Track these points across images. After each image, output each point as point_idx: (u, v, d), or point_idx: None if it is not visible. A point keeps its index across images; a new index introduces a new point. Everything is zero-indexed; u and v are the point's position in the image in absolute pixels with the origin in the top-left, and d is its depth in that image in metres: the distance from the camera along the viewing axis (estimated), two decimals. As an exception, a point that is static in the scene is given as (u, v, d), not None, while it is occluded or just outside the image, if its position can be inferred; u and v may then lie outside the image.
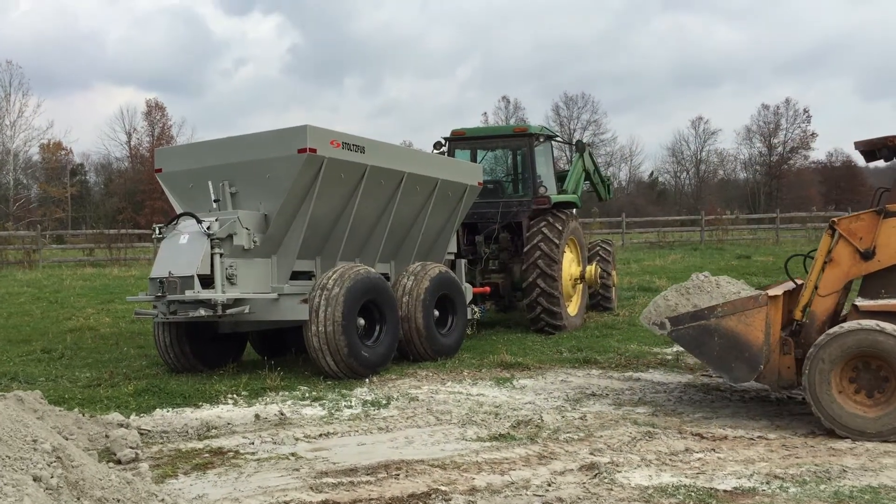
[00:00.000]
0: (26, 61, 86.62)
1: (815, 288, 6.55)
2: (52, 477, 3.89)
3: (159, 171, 9.36)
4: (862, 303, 6.37)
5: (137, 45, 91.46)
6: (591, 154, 15.57)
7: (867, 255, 6.35)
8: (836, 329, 6.10)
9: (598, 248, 14.43)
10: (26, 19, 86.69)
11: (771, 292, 6.64)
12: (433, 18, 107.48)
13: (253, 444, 5.97)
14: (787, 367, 6.55)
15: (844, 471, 5.10)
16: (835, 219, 6.52)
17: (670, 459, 5.43)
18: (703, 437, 6.00)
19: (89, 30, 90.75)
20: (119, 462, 5.36)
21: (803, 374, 6.15)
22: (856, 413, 5.98)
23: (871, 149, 6.97)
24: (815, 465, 5.23)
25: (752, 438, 5.97)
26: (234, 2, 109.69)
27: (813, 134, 64.74)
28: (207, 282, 8.07)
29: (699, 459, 5.43)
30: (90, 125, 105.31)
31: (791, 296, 6.93)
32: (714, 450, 5.66)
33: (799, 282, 7.17)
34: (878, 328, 5.94)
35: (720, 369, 6.66)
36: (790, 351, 6.54)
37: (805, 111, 64.56)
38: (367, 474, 5.14)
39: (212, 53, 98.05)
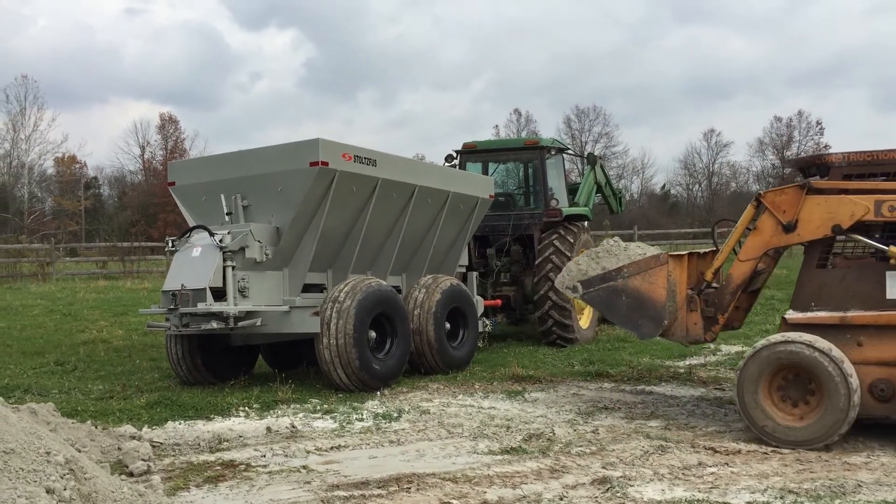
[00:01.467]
0: (44, 76, 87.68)
1: (735, 252, 6.86)
2: (64, 489, 3.90)
3: (172, 184, 9.42)
4: (791, 315, 6.51)
5: (154, 60, 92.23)
6: (602, 167, 15.57)
7: (789, 228, 6.56)
8: (763, 341, 6.32)
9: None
10: (44, 34, 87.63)
11: (675, 253, 7.04)
12: (448, 32, 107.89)
13: (264, 456, 5.97)
14: (695, 324, 6.94)
15: (859, 485, 5.06)
16: (761, 192, 6.72)
17: (683, 474, 5.39)
18: (716, 451, 5.96)
19: (106, 44, 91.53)
20: (131, 474, 5.37)
21: (736, 384, 6.36)
22: (783, 423, 6.18)
23: (805, 166, 7.22)
24: (830, 479, 5.18)
25: (765, 452, 5.92)
26: (250, 16, 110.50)
27: (826, 146, 64.45)
28: (220, 294, 8.10)
29: (712, 474, 5.39)
30: (106, 139, 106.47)
31: (702, 258, 7.28)
32: (727, 464, 5.62)
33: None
34: (802, 341, 6.13)
35: (629, 326, 7.08)
36: (696, 308, 6.92)
37: (818, 123, 64.27)
38: (379, 488, 5.13)
39: (228, 67, 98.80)
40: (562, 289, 7.33)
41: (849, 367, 6.04)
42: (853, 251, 6.66)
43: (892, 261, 6.26)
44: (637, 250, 7.27)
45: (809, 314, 6.46)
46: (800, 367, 6.16)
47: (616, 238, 7.56)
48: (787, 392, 6.28)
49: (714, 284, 7.01)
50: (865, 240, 6.39)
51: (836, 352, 6.08)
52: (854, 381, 6.01)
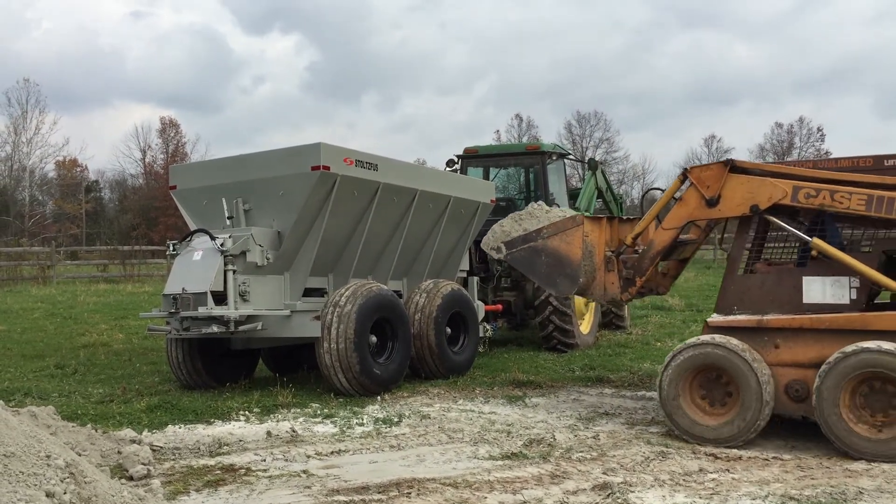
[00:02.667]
0: (48, 79, 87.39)
1: (658, 220, 7.19)
2: (64, 493, 3.90)
3: (174, 187, 9.42)
4: (712, 319, 6.77)
5: (157, 63, 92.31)
6: (603, 172, 15.58)
7: (711, 203, 6.79)
8: (683, 344, 6.64)
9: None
10: (48, 37, 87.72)
11: (592, 215, 7.34)
12: (451, 36, 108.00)
13: (265, 461, 5.96)
14: (612, 283, 7.32)
15: (861, 492, 5.05)
16: (688, 167, 6.97)
17: (684, 480, 5.38)
18: (717, 458, 5.95)
19: (110, 48, 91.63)
20: (131, 478, 5.37)
21: (659, 384, 6.65)
22: (702, 422, 6.47)
23: None
24: (831, 486, 5.17)
25: (766, 459, 5.91)
26: (253, 20, 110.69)
27: (827, 153, 64.53)
28: (220, 298, 8.10)
29: (713, 480, 5.38)
30: (109, 142, 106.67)
31: (625, 223, 7.71)
32: (728, 470, 5.61)
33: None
34: (718, 343, 6.41)
35: (548, 284, 7.43)
36: (614, 269, 7.30)
37: (819, 130, 64.38)
38: (379, 492, 5.12)
39: (231, 71, 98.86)
40: (487, 250, 7.60)
41: (762, 368, 6.30)
42: (775, 253, 7.04)
43: (813, 252, 6.50)
44: (558, 212, 7.53)
45: (729, 317, 6.71)
46: (717, 368, 6.45)
47: (540, 202, 7.78)
48: (707, 392, 6.58)
49: (638, 249, 7.31)
50: (790, 228, 6.59)
51: (750, 353, 6.34)
52: (767, 381, 6.28)
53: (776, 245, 7.04)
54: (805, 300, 6.56)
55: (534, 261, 7.36)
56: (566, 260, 7.23)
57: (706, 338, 6.54)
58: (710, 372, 6.54)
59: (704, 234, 7.49)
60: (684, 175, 6.97)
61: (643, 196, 7.66)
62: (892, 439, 5.81)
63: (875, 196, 6.27)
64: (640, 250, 7.27)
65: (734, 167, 6.78)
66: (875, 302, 7.07)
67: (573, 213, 7.44)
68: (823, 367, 6.06)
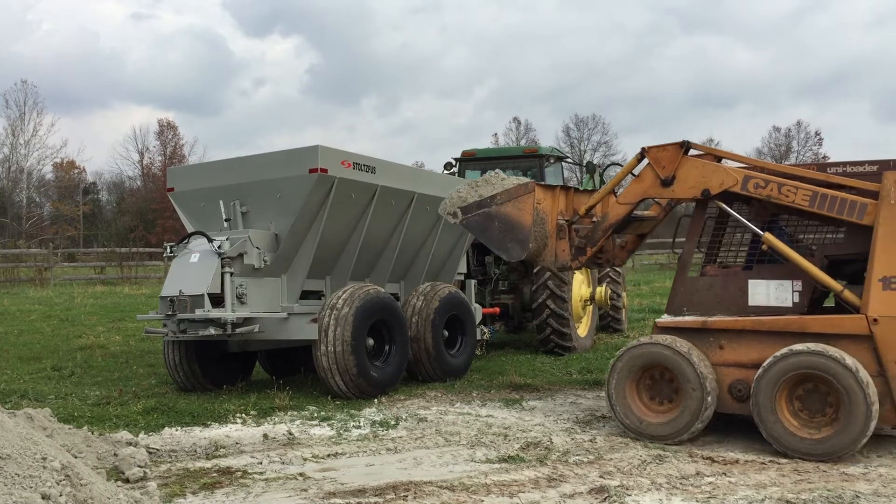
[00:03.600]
0: (48, 81, 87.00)
1: (614, 194, 7.37)
2: (60, 495, 3.89)
3: (171, 190, 9.42)
4: (661, 320, 7.02)
5: (157, 65, 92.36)
6: (601, 175, 15.59)
7: (666, 183, 6.94)
8: (631, 343, 6.92)
9: (609, 269, 14.40)
10: (48, 39, 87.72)
11: (545, 184, 7.57)
12: (452, 39, 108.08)
13: (261, 463, 5.96)
14: (563, 251, 7.49)
15: (857, 496, 5.05)
16: (646, 146, 7.06)
17: (681, 483, 5.38)
18: (713, 461, 5.95)
19: (110, 50, 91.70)
20: (127, 481, 5.36)
21: (606, 381, 6.86)
22: (647, 418, 6.70)
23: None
24: (828, 490, 5.17)
25: (763, 463, 5.91)
26: (253, 23, 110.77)
27: (825, 157, 64.61)
28: (218, 301, 8.10)
29: (710, 483, 5.38)
30: (108, 144, 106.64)
31: (581, 194, 7.84)
32: (725, 474, 5.61)
33: None
34: (663, 342, 6.64)
35: (500, 249, 7.50)
36: (566, 236, 7.47)
37: (817, 134, 64.50)
38: (376, 495, 5.11)
39: (231, 74, 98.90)
40: (443, 215, 7.75)
41: (704, 367, 6.48)
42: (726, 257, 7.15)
43: (763, 246, 6.59)
44: (513, 180, 7.65)
45: (677, 318, 6.95)
46: (663, 367, 6.66)
47: (497, 170, 7.89)
48: (654, 390, 6.80)
49: (595, 219, 7.50)
50: (743, 220, 6.72)
51: (693, 352, 6.54)
52: (709, 380, 6.45)
53: (726, 248, 7.17)
54: (750, 303, 6.73)
55: (487, 226, 7.50)
56: (517, 226, 7.37)
57: (656, 337, 6.77)
58: (656, 371, 6.74)
59: (665, 212, 7.69)
60: (642, 154, 7.10)
61: (603, 171, 7.79)
62: (827, 438, 5.96)
63: (819, 193, 6.41)
64: (596, 221, 7.46)
65: (689, 149, 6.92)
66: (823, 306, 7.17)
67: (527, 180, 7.57)
68: (760, 369, 6.25)
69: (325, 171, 8.27)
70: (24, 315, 16.37)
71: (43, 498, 3.78)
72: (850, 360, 5.94)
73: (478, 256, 12.71)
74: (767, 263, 6.73)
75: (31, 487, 3.84)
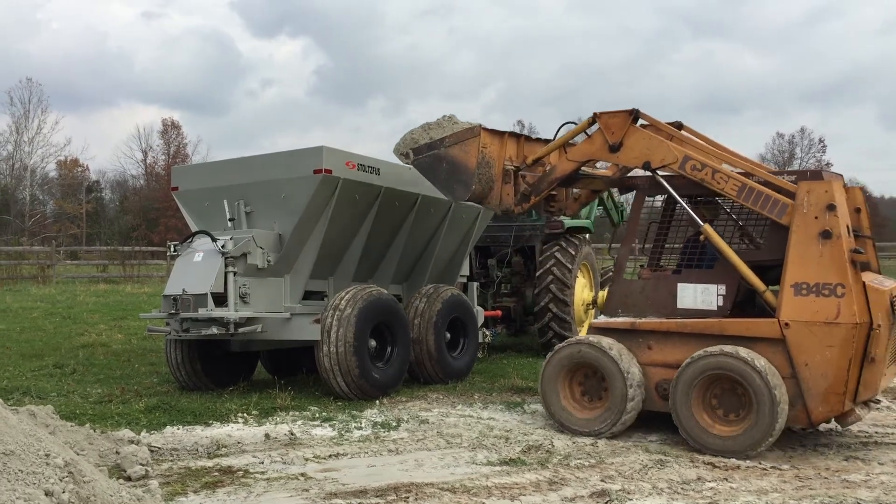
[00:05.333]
0: (55, 79, 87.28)
1: (565, 151, 7.67)
2: (63, 492, 3.90)
3: (175, 188, 9.43)
4: (594, 321, 7.35)
5: (165, 65, 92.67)
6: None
7: (613, 148, 7.15)
8: (562, 343, 7.26)
9: (611, 273, 14.38)
10: (56, 38, 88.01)
11: (492, 129, 7.76)
12: (460, 42, 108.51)
13: (263, 463, 5.96)
14: (508, 195, 7.77)
15: (859, 503, 5.04)
16: (597, 111, 7.28)
17: (682, 488, 5.38)
18: (715, 467, 5.95)
19: (118, 49, 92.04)
20: (129, 479, 5.37)
21: (540, 379, 7.20)
22: (577, 415, 7.01)
23: (618, 186, 8.36)
24: (829, 496, 5.17)
25: (764, 469, 5.91)
26: (262, 24, 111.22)
27: (828, 164, 64.58)
28: (221, 300, 8.10)
29: (711, 489, 5.38)
30: (115, 143, 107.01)
31: (535, 142, 8.10)
32: (726, 479, 5.61)
33: None
34: (590, 342, 6.94)
35: (445, 190, 7.82)
36: (511, 181, 7.73)
37: (820, 140, 64.48)
38: (377, 497, 5.12)
39: (238, 74, 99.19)
40: (396, 155, 8.01)
41: (629, 366, 6.76)
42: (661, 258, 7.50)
43: (701, 237, 6.90)
44: (463, 123, 7.84)
45: (609, 319, 7.22)
46: (591, 365, 6.97)
47: (451, 115, 8.10)
48: (586, 388, 7.13)
49: (545, 170, 7.80)
50: (687, 207, 6.91)
51: (617, 351, 6.81)
52: (634, 378, 6.74)
53: (658, 251, 7.48)
54: (679, 305, 6.99)
55: (435, 167, 7.75)
56: (462, 167, 7.59)
57: (585, 338, 7.11)
58: (588, 369, 7.03)
59: (620, 174, 7.92)
60: (594, 118, 7.30)
61: (559, 128, 8.01)
62: (737, 436, 6.23)
63: (748, 186, 6.64)
64: (545, 172, 7.76)
65: (638, 118, 7.14)
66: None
67: (477, 125, 7.75)
68: (679, 369, 6.53)
69: (329, 171, 8.28)
70: (26, 312, 16.38)
71: (46, 494, 3.78)
72: (758, 362, 6.21)
73: (480, 259, 12.71)
74: (696, 268, 7.06)
75: (35, 484, 3.84)
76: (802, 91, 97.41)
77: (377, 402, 8.34)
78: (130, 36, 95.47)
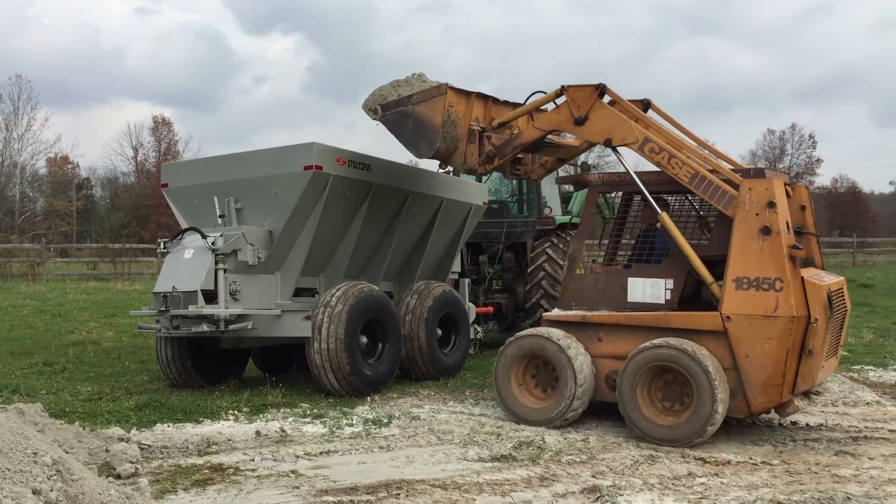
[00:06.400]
0: (47, 76, 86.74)
1: (532, 118, 7.80)
2: (51, 490, 3.87)
3: (165, 185, 9.38)
4: (547, 314, 7.57)
5: (158, 62, 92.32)
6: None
7: (578, 121, 7.29)
8: (515, 335, 7.40)
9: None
10: (48, 34, 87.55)
11: (460, 88, 7.87)
12: (455, 39, 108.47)
13: (253, 460, 5.94)
14: (472, 154, 7.89)
15: (848, 498, 5.06)
16: (565, 85, 7.39)
17: (673, 484, 5.39)
18: (706, 462, 5.96)
19: (111, 45, 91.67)
20: (119, 477, 5.34)
21: (494, 370, 7.39)
22: (528, 404, 7.21)
23: (573, 182, 8.69)
24: (820, 491, 5.18)
25: (755, 464, 5.92)
26: (254, 20, 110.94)
27: (818, 160, 64.81)
28: (211, 297, 8.07)
29: (702, 484, 5.39)
30: (106, 140, 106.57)
31: (503, 105, 8.20)
32: (717, 475, 5.62)
33: None
34: (540, 333, 7.15)
35: (410, 146, 7.91)
36: (475, 141, 7.84)
37: (810, 137, 64.63)
38: (368, 493, 5.11)
39: (231, 71, 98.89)
40: (365, 110, 8.11)
41: (579, 357, 6.96)
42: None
43: (658, 224, 7.00)
44: (431, 82, 7.96)
45: (561, 312, 7.41)
46: (542, 357, 7.14)
47: (421, 73, 8.18)
48: (538, 379, 7.33)
49: (512, 134, 7.96)
50: (646, 193, 7.06)
51: (567, 343, 6.99)
52: (582, 368, 6.93)
53: (614, 246, 7.66)
54: (629, 299, 7.20)
55: (402, 124, 7.87)
56: (427, 125, 7.71)
57: (536, 330, 7.30)
58: (540, 360, 7.21)
59: (587, 145, 8.26)
60: (561, 90, 7.42)
61: (529, 96, 8.17)
62: (679, 426, 6.45)
63: (700, 174, 6.78)
64: (511, 136, 7.91)
65: (604, 94, 7.28)
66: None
67: (445, 83, 7.83)
68: (625, 361, 6.73)
69: (319, 168, 8.25)
70: (16, 310, 16.30)
71: (34, 493, 3.76)
72: (699, 354, 6.40)
73: (472, 255, 12.70)
74: (645, 262, 7.26)
75: (22, 482, 3.82)
76: (795, 88, 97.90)
77: (368, 398, 8.33)
78: (123, 32, 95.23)
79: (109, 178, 60.89)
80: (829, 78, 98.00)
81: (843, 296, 7.07)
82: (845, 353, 11.04)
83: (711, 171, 6.86)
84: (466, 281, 11.44)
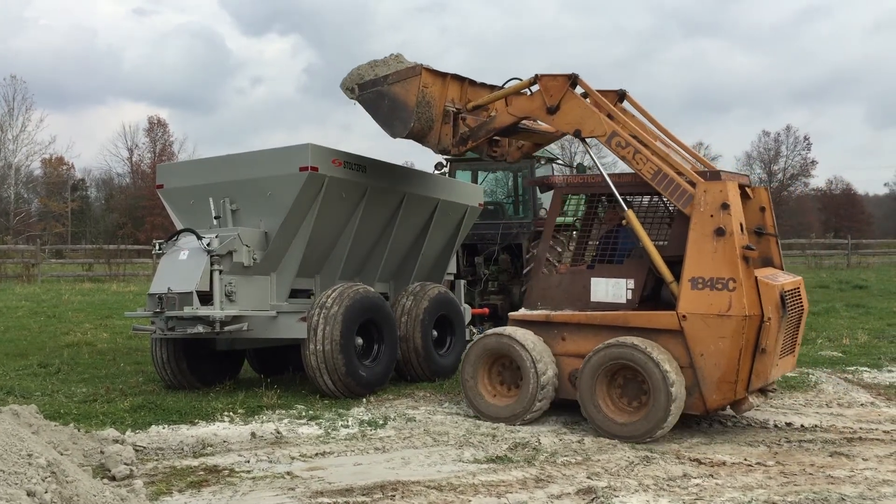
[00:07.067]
0: (43, 77, 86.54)
1: (507, 103, 7.86)
2: (46, 492, 3.87)
3: (161, 186, 9.37)
4: (513, 313, 7.70)
5: (154, 63, 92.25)
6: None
7: (551, 110, 7.40)
8: (480, 335, 7.60)
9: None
10: (44, 36, 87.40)
11: (436, 70, 7.98)
12: (452, 40, 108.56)
13: (248, 462, 5.94)
14: (446, 135, 8.03)
15: (843, 499, 5.07)
16: (539, 73, 7.51)
17: (668, 485, 5.40)
18: (700, 463, 5.97)
19: (107, 46, 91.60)
20: (114, 478, 5.33)
21: (461, 369, 7.62)
22: (493, 402, 7.36)
23: (538, 184, 8.75)
24: (814, 492, 5.19)
25: (750, 465, 5.93)
26: (251, 22, 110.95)
27: (813, 161, 64.96)
28: (206, 298, 8.06)
29: (697, 485, 5.39)
30: (101, 141, 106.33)
31: (479, 87, 8.36)
32: (712, 476, 5.63)
33: None
34: (504, 333, 7.29)
35: (385, 126, 8.05)
36: (450, 122, 7.97)
37: (805, 138, 64.80)
38: (363, 495, 5.11)
39: (228, 72, 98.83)
40: (343, 89, 8.26)
41: (541, 356, 7.10)
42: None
43: (623, 222, 7.12)
44: (408, 63, 8.02)
45: (526, 312, 7.54)
46: (507, 356, 7.28)
47: (399, 53, 8.33)
48: (504, 377, 7.46)
49: (487, 118, 8.07)
50: (615, 190, 7.17)
51: (531, 342, 7.14)
52: (545, 367, 7.07)
53: (581, 247, 7.84)
54: (592, 299, 7.31)
55: (378, 103, 8.02)
56: (402, 105, 7.85)
57: (500, 329, 7.43)
58: (506, 360, 7.35)
59: (561, 133, 8.31)
60: (535, 79, 7.54)
61: (506, 81, 8.29)
62: (636, 422, 6.59)
63: (662, 171, 6.89)
64: (486, 120, 8.02)
65: (576, 84, 7.39)
66: None
67: (420, 64, 7.94)
68: (585, 359, 6.89)
69: (315, 169, 8.25)
70: (10, 311, 16.27)
71: (28, 495, 3.75)
72: (654, 352, 6.53)
73: (468, 257, 12.72)
74: (608, 263, 7.39)
75: (17, 484, 3.81)
76: (791, 90, 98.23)
77: (364, 400, 8.32)
78: (119, 34, 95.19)
79: (104, 180, 60.89)
80: (825, 79, 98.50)
81: (798, 295, 7.20)
82: (840, 355, 11.08)
83: (675, 170, 6.97)
84: (462, 282, 11.44)
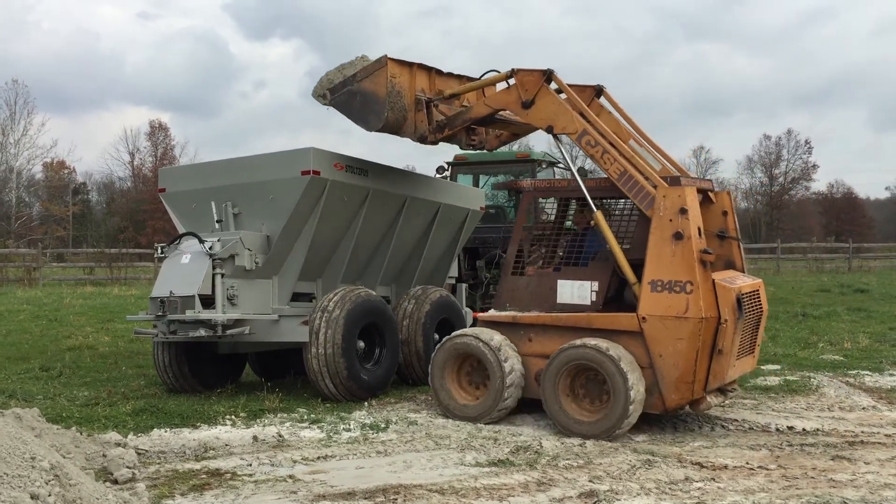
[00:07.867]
0: (46, 81, 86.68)
1: (483, 94, 8.07)
2: (49, 495, 3.88)
3: (163, 190, 9.38)
4: (481, 315, 7.86)
5: (157, 67, 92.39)
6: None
7: (526, 105, 7.53)
8: (451, 335, 7.73)
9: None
10: (47, 39, 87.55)
11: (401, 60, 8.08)
12: (454, 42, 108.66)
13: (250, 465, 5.94)
14: (421, 122, 8.21)
15: (845, 502, 5.07)
16: (515, 68, 7.65)
17: (670, 488, 5.40)
18: (702, 466, 5.97)
19: (110, 50, 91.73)
20: (116, 482, 5.33)
21: (429, 370, 7.72)
22: (462, 402, 7.53)
23: (509, 188, 9.17)
24: (816, 496, 5.19)
25: (752, 468, 5.93)
26: (254, 26, 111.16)
27: (814, 165, 64.91)
28: (208, 302, 8.07)
29: (699, 489, 5.39)
30: (104, 144, 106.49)
31: (451, 78, 8.60)
32: (714, 479, 5.63)
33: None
34: (471, 334, 7.48)
35: (360, 121, 8.16)
36: (423, 109, 8.15)
37: (807, 142, 64.72)
38: (365, 498, 5.11)
39: (231, 76, 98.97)
40: (315, 97, 8.36)
41: (507, 356, 7.24)
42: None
43: (591, 223, 7.26)
44: (374, 60, 8.11)
45: (494, 313, 7.69)
46: (475, 356, 7.42)
47: (364, 54, 8.46)
48: (472, 378, 7.61)
49: (462, 107, 8.29)
50: (585, 191, 7.31)
51: (497, 343, 7.29)
52: (511, 367, 7.21)
53: (549, 250, 7.98)
54: (558, 300, 7.45)
55: (350, 102, 8.11)
56: (373, 98, 7.96)
57: (467, 330, 7.66)
58: (474, 360, 7.48)
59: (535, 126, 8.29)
60: (511, 73, 7.69)
61: (484, 73, 8.41)
62: (597, 421, 6.75)
63: (629, 173, 7.03)
64: (462, 109, 8.20)
65: (550, 80, 7.52)
66: None
67: (384, 55, 7.99)
68: (548, 360, 7.02)
69: (317, 173, 8.26)
70: (12, 315, 16.27)
71: (32, 498, 3.76)
72: (614, 353, 6.69)
73: (469, 260, 12.72)
74: (573, 266, 7.52)
75: (21, 487, 3.82)
76: (792, 93, 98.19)
77: (366, 403, 8.33)
78: (122, 37, 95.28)
79: (106, 183, 60.88)
80: (826, 82, 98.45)
81: (756, 298, 7.34)
82: (841, 358, 11.07)
83: (641, 173, 7.07)
84: (464, 286, 11.46)
